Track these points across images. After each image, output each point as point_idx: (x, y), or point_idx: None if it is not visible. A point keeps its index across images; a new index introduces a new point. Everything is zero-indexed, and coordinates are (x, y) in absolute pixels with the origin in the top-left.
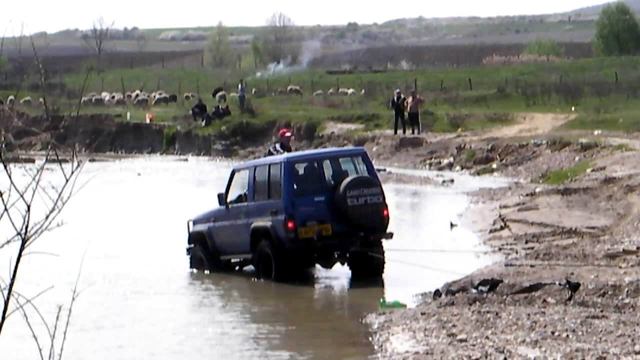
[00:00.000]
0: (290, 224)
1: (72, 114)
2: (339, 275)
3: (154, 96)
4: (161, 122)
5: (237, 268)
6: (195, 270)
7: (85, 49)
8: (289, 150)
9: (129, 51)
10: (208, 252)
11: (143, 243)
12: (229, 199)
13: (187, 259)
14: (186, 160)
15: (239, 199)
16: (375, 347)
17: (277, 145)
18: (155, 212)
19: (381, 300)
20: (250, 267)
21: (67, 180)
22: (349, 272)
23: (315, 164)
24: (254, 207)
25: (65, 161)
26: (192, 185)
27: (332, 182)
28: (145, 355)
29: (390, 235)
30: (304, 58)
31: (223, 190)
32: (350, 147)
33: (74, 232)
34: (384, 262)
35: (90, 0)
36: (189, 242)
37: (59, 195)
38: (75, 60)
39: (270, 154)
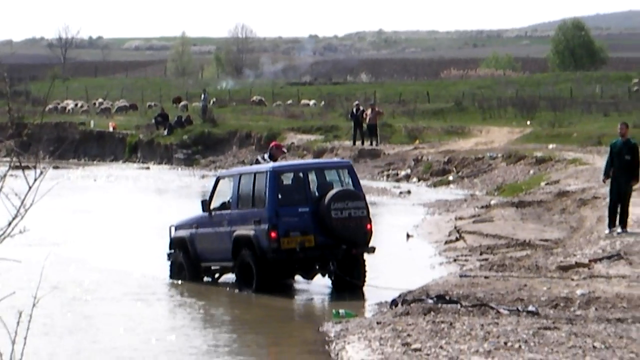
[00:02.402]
0: (273, 234)
1: (36, 122)
2: (305, 284)
3: (117, 105)
4: (124, 130)
5: (216, 276)
6: (171, 280)
7: (50, 57)
8: (275, 160)
9: (93, 60)
10: (189, 258)
11: (107, 246)
12: (212, 206)
13: (167, 264)
14: (148, 168)
15: (223, 206)
16: (332, 356)
17: (266, 156)
18: (118, 216)
19: (334, 311)
20: (226, 277)
21: (29, 188)
22: (329, 282)
23: (301, 175)
24: (237, 215)
25: (29, 168)
26: (153, 193)
27: (317, 194)
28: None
29: (373, 250)
30: (265, 70)
31: (206, 197)
32: (337, 159)
33: (37, 239)
34: (365, 275)
35: (55, 9)
36: (170, 248)
37: (22, 202)
38: (40, 68)
39: (257, 162)
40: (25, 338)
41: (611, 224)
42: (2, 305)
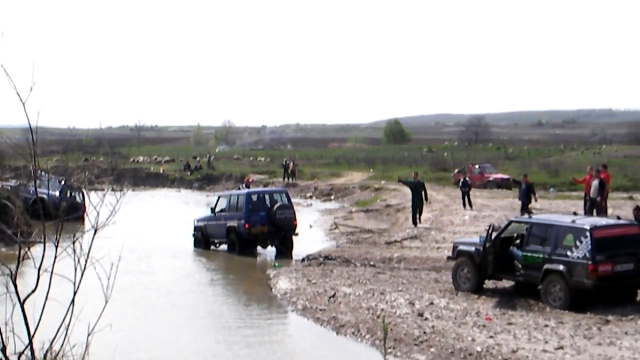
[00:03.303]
0: (247, 225)
1: (124, 167)
2: (262, 251)
3: (164, 159)
4: (168, 172)
5: (218, 246)
6: (194, 247)
7: (132, 135)
8: (249, 188)
9: (152, 137)
10: (203, 236)
11: (159, 231)
12: (216, 210)
13: (191, 239)
14: (179, 191)
15: (221, 210)
16: (271, 286)
17: (243, 185)
18: (164, 216)
19: (273, 264)
20: (224, 246)
21: (117, 200)
22: (274, 250)
23: (262, 196)
24: (228, 215)
25: (120, 190)
26: (182, 204)
27: (269, 205)
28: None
29: (296, 234)
30: (241, 142)
31: (213, 206)
32: (278, 188)
33: (121, 226)
34: (292, 247)
35: (132, 107)
36: (194, 230)
37: (114, 208)
38: (126, 140)
39: (239, 189)
40: (115, 276)
41: (414, 222)
42: (103, 260)
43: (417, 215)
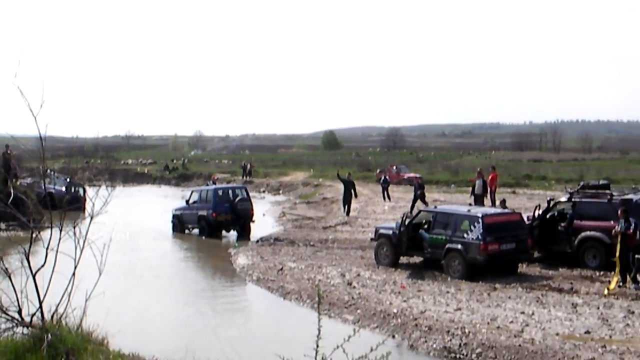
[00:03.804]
0: (214, 214)
1: (115, 168)
2: (226, 234)
3: (148, 161)
4: (151, 172)
5: (191, 230)
6: (172, 231)
7: (122, 142)
8: (215, 184)
9: (139, 144)
10: (180, 222)
11: (144, 218)
12: (190, 202)
13: (170, 225)
14: (160, 187)
15: (194, 202)
16: (232, 261)
17: (210, 182)
18: (148, 206)
19: (234, 244)
20: (196, 230)
21: (109, 193)
22: (235, 234)
23: (226, 190)
24: (200, 206)
25: (113, 187)
26: (162, 197)
27: (232, 198)
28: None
29: (253, 221)
30: (211, 148)
31: (187, 198)
32: (239, 184)
33: (111, 214)
34: (250, 232)
35: (123, 119)
36: (172, 218)
37: (106, 199)
38: (118, 147)
39: (207, 185)
40: (107, 254)
41: (347, 212)
42: (98, 241)
43: (347, 207)
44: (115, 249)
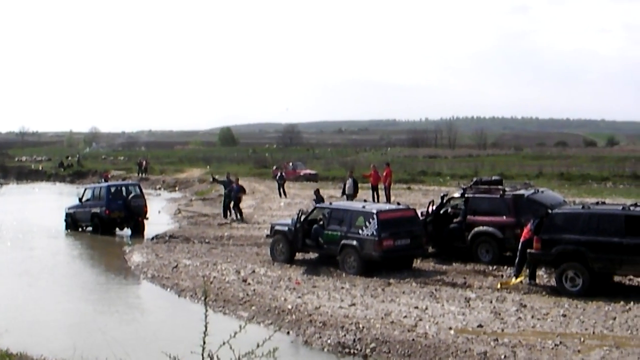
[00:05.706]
0: (107, 211)
1: (9, 165)
2: (120, 232)
3: (44, 158)
4: (46, 169)
5: (85, 228)
6: (66, 230)
7: (17, 139)
8: (107, 181)
9: (33, 140)
10: (73, 220)
11: (37, 216)
12: (83, 200)
13: (63, 223)
14: (55, 184)
15: (87, 200)
16: (126, 259)
17: (102, 180)
18: (42, 203)
19: (128, 242)
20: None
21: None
22: (129, 231)
23: (119, 187)
24: (93, 203)
25: (5, 184)
26: (57, 194)
27: (125, 195)
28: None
29: (147, 219)
30: (109, 145)
31: (80, 196)
32: (133, 181)
33: (7, 210)
34: (144, 229)
35: (17, 115)
36: (66, 216)
37: None
38: (13, 143)
39: (100, 182)
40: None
41: (224, 215)
42: None
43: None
44: (6, 246)
